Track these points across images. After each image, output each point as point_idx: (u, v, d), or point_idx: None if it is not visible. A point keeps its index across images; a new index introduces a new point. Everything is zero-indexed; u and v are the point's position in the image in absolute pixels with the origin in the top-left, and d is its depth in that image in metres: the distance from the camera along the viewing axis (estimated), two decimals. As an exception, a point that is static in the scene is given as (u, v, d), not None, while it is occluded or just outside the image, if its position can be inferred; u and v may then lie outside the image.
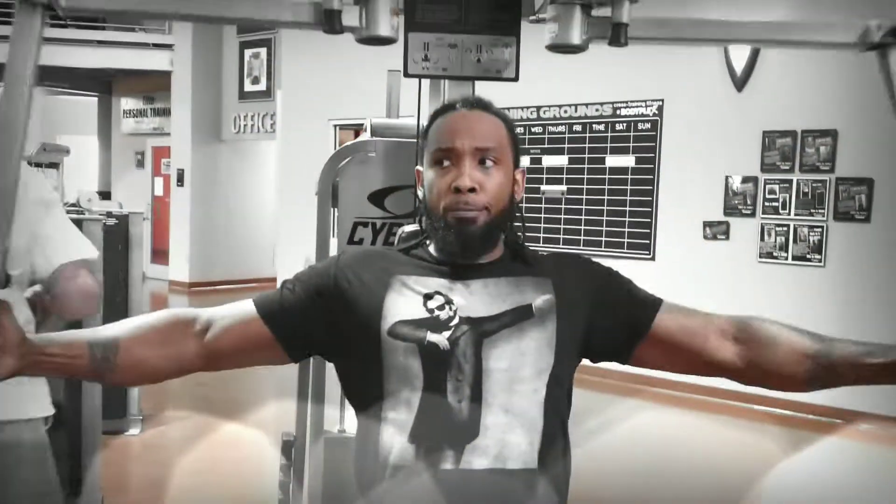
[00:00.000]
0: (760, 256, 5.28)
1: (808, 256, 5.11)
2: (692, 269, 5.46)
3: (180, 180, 10.19)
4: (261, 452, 3.99)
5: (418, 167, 1.36)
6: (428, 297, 1.25)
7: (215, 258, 10.25)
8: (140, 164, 11.43)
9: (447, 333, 1.21)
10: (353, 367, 1.30)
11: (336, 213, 2.21)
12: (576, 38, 1.33)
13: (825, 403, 5.04)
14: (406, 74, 1.49)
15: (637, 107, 5.74)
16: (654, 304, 1.32)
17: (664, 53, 5.49)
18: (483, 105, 1.32)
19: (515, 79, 1.52)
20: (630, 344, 1.31)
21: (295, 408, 2.76)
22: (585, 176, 5.88)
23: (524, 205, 1.41)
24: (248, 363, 1.34)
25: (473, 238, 1.25)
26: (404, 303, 1.25)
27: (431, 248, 1.34)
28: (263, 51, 9.78)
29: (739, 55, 5.28)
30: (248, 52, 9.93)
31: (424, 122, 1.68)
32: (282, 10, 1.20)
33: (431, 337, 1.21)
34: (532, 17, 1.50)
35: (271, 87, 9.66)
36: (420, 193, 1.35)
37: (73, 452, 3.07)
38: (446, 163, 1.25)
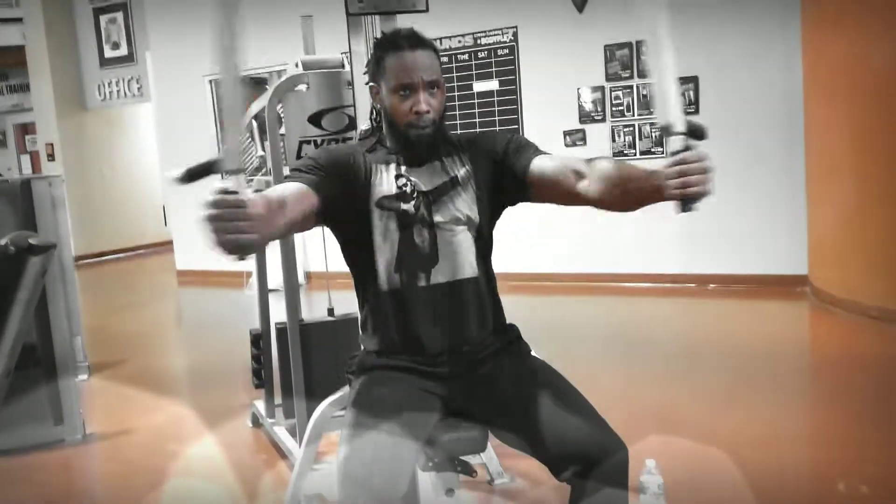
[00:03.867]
0: (614, 155, 6.06)
1: (653, 150, 5.96)
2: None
3: (51, 156, 10.08)
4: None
5: (372, 84, 1.86)
6: (398, 177, 1.81)
7: (98, 228, 10.25)
8: (1, 143, 11.14)
9: (412, 202, 1.78)
10: (350, 229, 1.81)
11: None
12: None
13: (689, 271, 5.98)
14: (349, 14, 2.02)
15: (495, 35, 6.37)
16: (533, 152, 1.80)
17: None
18: (422, 43, 1.78)
19: (426, 10, 2.09)
20: (521, 185, 1.81)
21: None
22: (456, 102, 6.49)
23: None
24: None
25: (427, 143, 1.78)
26: (383, 182, 1.80)
27: (388, 143, 1.88)
28: (119, 15, 9.72)
29: (577, -20, 5.97)
30: (103, 18, 9.84)
31: (356, 53, 2.23)
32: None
33: (403, 206, 1.77)
34: (433, -35, 2.07)
35: (133, 51, 9.66)
36: (376, 106, 1.86)
37: (51, 385, 3.47)
38: (405, 92, 1.74)
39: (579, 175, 1.70)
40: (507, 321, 1.92)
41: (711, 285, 5.92)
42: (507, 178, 1.83)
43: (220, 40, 1.37)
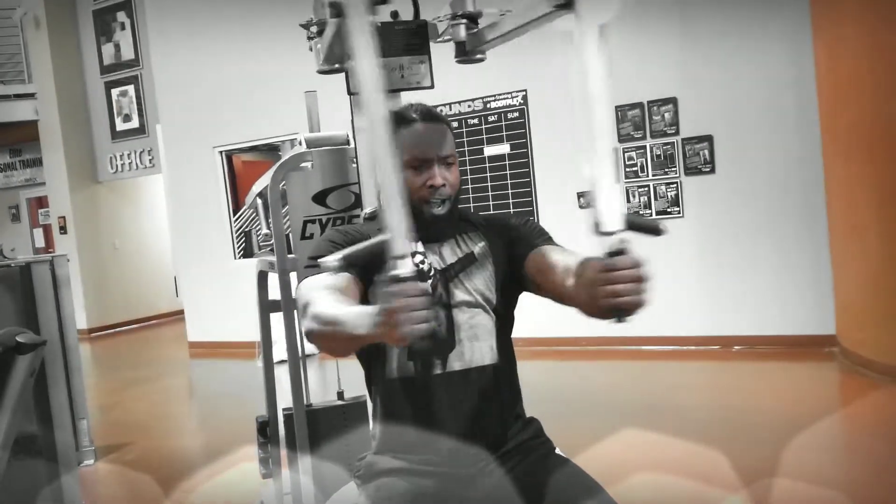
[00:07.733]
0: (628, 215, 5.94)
1: (669, 210, 5.82)
2: (574, 237, 6.06)
3: (63, 228, 10.09)
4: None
5: None
6: (413, 254, 1.69)
7: (111, 301, 10.20)
8: (15, 217, 11.18)
9: (430, 281, 1.66)
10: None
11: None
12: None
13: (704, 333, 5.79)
14: (350, 93, 1.93)
15: (504, 98, 6.32)
16: (543, 240, 1.67)
17: (522, 50, 6.08)
18: (434, 117, 1.70)
19: (431, 86, 2.00)
20: (520, 272, 1.66)
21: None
22: (468, 167, 6.42)
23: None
24: None
25: (443, 220, 1.67)
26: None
27: None
28: (131, 88, 9.83)
29: (585, 42, 5.93)
30: (115, 92, 9.94)
31: (359, 130, 2.14)
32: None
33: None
34: (438, 39, 1.98)
35: (144, 123, 9.73)
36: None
37: (52, 477, 3.31)
38: (419, 166, 1.65)
39: (568, 272, 1.46)
40: (525, 402, 1.77)
41: (736, 347, 5.72)
42: (514, 262, 1.70)
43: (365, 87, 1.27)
